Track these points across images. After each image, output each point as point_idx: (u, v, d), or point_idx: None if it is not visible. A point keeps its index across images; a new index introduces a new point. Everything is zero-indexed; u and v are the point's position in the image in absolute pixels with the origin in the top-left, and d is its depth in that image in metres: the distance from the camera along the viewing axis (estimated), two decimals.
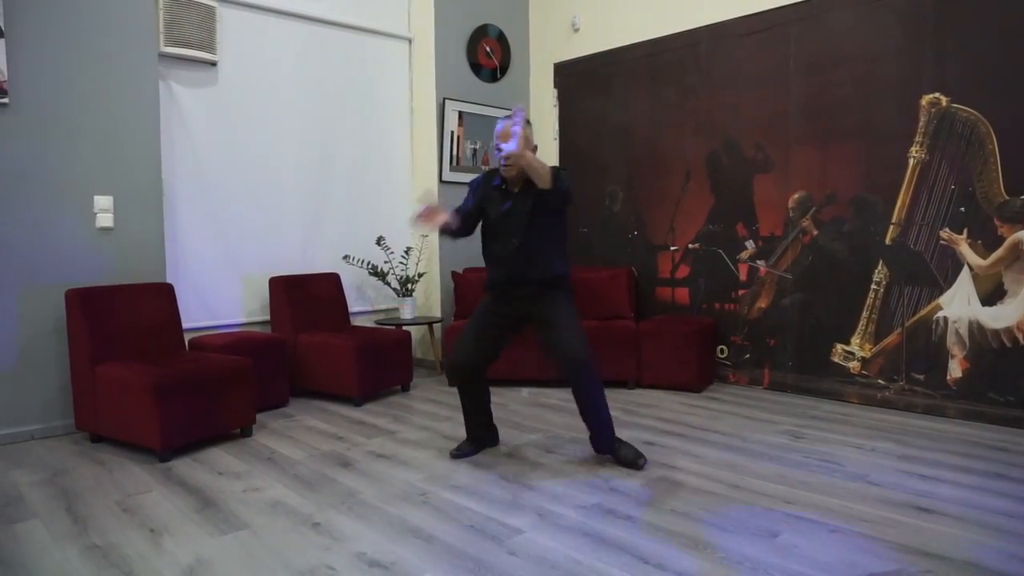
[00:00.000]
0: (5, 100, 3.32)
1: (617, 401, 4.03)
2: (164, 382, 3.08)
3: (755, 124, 4.37)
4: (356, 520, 2.43)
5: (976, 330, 3.60)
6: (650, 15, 4.87)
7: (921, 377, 3.79)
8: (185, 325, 3.86)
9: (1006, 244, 3.50)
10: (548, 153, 5.47)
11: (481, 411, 3.16)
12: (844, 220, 4.03)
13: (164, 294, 3.68)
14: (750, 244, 4.45)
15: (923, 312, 3.78)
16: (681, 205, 4.79)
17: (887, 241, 3.88)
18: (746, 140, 4.42)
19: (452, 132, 5.14)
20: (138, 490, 2.75)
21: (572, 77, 5.41)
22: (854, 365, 4.03)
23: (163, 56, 3.90)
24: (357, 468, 2.98)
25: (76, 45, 3.53)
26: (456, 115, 5.14)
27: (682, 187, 4.78)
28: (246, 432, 3.48)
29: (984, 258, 3.57)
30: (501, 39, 5.46)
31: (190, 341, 3.90)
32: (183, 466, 3.03)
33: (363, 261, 4.86)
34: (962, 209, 3.63)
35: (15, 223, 3.39)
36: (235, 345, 3.78)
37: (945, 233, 3.69)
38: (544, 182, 2.77)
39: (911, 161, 3.77)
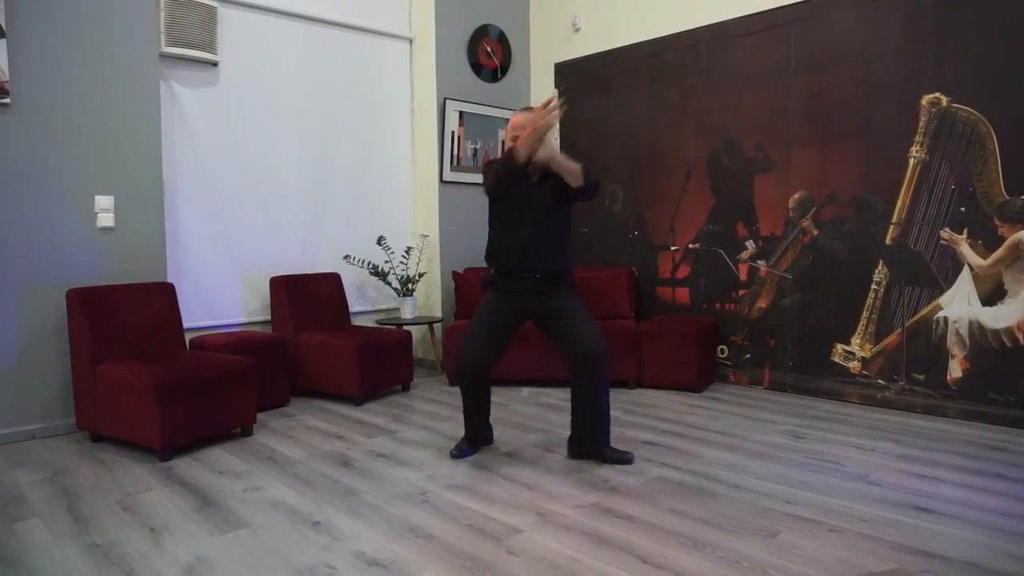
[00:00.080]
0: (6, 100, 3.33)
1: (617, 401, 4.03)
2: (165, 382, 3.09)
3: (755, 124, 4.37)
4: (356, 519, 2.44)
5: (976, 330, 3.59)
6: (650, 15, 4.87)
7: (921, 377, 3.78)
8: (186, 325, 3.87)
9: (1006, 244, 3.50)
10: None
11: (482, 410, 3.17)
12: (844, 220, 4.03)
13: (165, 294, 3.68)
14: (750, 244, 4.45)
15: (923, 312, 3.78)
16: (681, 205, 4.79)
17: (887, 241, 3.88)
18: (746, 140, 4.42)
19: (453, 132, 5.14)
20: (138, 489, 2.76)
21: (573, 77, 5.42)
22: (854, 365, 4.03)
23: (164, 56, 3.91)
24: (357, 467, 2.99)
25: (77, 45, 3.54)
26: (457, 115, 5.15)
27: (682, 187, 4.78)
28: (247, 431, 3.49)
29: (984, 258, 3.57)
30: (502, 39, 5.46)
31: (191, 341, 3.90)
32: (183, 465, 3.04)
33: (364, 261, 4.87)
34: (962, 209, 3.63)
35: (16, 223, 3.40)
36: (236, 345, 3.78)
37: (945, 233, 3.69)
38: (577, 179, 2.80)
39: (911, 161, 3.77)
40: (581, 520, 2.40)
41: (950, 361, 3.68)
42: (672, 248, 4.87)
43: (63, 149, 3.52)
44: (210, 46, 4.09)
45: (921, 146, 3.74)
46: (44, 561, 2.16)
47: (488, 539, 2.27)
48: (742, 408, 3.94)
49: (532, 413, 3.87)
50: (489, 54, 5.38)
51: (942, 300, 3.71)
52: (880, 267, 3.91)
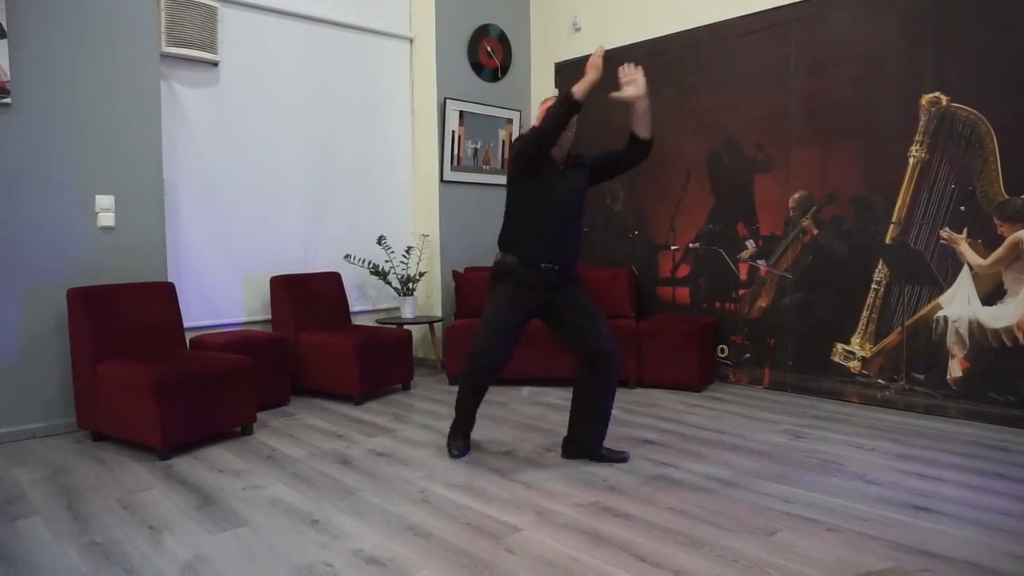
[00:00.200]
0: (7, 100, 3.33)
1: (618, 401, 3.99)
2: (165, 381, 3.09)
3: (755, 124, 4.37)
4: (355, 517, 2.44)
5: (976, 330, 3.59)
6: (650, 15, 4.87)
7: (921, 377, 3.78)
8: (186, 324, 3.87)
9: (1006, 243, 3.50)
10: None
11: (477, 409, 3.17)
12: (844, 219, 4.03)
13: (165, 293, 3.69)
14: (750, 243, 4.45)
15: (923, 311, 3.77)
16: (682, 205, 4.79)
17: (887, 240, 3.88)
18: (746, 140, 4.42)
19: (453, 132, 5.14)
20: (138, 488, 2.76)
21: (573, 77, 5.40)
22: (854, 365, 4.03)
23: (165, 56, 3.92)
24: (357, 466, 2.99)
25: (78, 45, 3.54)
26: (457, 115, 5.15)
27: (683, 187, 4.78)
28: (247, 430, 3.49)
29: (984, 257, 3.57)
30: (502, 39, 5.47)
31: (191, 340, 3.91)
32: (184, 464, 3.04)
33: (364, 260, 4.87)
34: (962, 208, 3.62)
35: (17, 222, 3.40)
36: (236, 344, 3.79)
37: (945, 232, 3.68)
38: (649, 130, 2.88)
39: (911, 160, 3.77)
40: (580, 519, 2.40)
41: (950, 361, 3.68)
42: (672, 247, 4.87)
43: (64, 149, 3.52)
44: (211, 46, 4.09)
45: (921, 145, 3.73)
46: (44, 559, 2.17)
47: (487, 538, 2.27)
48: (742, 407, 3.94)
49: (532, 412, 3.88)
50: (489, 54, 5.39)
51: (942, 299, 3.71)
52: (880, 266, 3.91)
